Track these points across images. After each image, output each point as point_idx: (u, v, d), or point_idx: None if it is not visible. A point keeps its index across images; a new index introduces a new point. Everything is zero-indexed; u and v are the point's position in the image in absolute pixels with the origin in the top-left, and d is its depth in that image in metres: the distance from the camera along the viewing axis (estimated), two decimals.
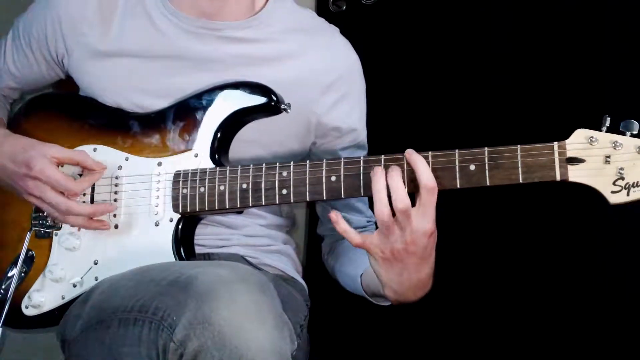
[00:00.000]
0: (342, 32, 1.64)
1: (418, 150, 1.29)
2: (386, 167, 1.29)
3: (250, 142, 1.51)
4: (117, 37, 1.53)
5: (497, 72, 1.94)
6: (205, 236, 1.55)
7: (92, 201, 1.49)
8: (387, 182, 1.27)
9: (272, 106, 1.44)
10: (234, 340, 1.18)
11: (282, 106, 1.45)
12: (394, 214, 1.27)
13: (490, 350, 1.91)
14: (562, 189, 1.32)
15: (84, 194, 1.49)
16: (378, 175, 1.28)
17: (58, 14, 1.55)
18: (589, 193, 1.24)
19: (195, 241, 1.48)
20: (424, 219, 1.26)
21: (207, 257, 1.56)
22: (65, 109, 1.59)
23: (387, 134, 1.76)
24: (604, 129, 1.23)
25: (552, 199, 1.82)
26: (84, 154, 1.49)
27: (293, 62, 1.54)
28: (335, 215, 1.32)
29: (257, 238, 1.61)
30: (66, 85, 1.65)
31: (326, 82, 1.55)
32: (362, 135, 1.63)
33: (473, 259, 1.93)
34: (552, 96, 1.88)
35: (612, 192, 1.21)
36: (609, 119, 1.23)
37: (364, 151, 1.63)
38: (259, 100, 1.45)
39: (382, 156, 1.32)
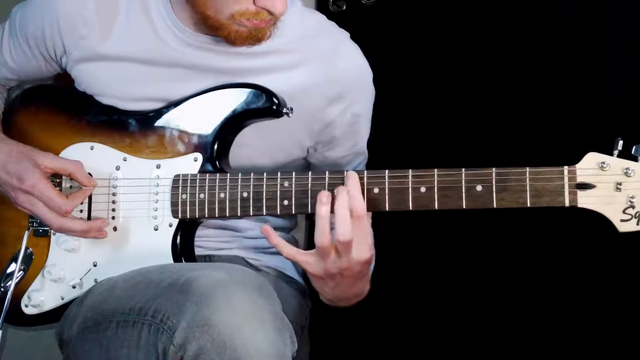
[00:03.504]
0: None
1: (421, 161, 1.28)
2: (331, 190, 1.28)
3: (249, 146, 1.48)
4: (117, 41, 1.49)
5: (495, 70, 1.91)
6: (206, 238, 1.53)
7: (89, 203, 1.47)
8: (333, 208, 1.26)
9: (274, 110, 1.41)
10: (233, 342, 1.18)
11: (284, 110, 1.41)
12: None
13: (490, 351, 1.93)
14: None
15: None
16: (323, 201, 1.27)
17: (56, 15, 1.50)
18: (597, 217, 1.22)
19: (196, 243, 1.46)
20: (361, 248, 1.26)
21: (207, 259, 1.55)
22: (63, 103, 1.55)
23: (387, 137, 1.75)
24: (616, 152, 1.21)
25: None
26: (78, 165, 1.46)
27: (299, 71, 1.48)
28: (265, 230, 1.31)
29: (258, 240, 1.59)
30: (65, 77, 1.60)
31: (333, 92, 1.50)
32: (362, 142, 1.59)
33: (472, 261, 1.94)
34: (561, 107, 1.86)
35: (622, 220, 1.19)
36: (621, 142, 1.20)
37: (363, 157, 1.60)
38: (260, 103, 1.41)
39: (365, 172, 1.30)
